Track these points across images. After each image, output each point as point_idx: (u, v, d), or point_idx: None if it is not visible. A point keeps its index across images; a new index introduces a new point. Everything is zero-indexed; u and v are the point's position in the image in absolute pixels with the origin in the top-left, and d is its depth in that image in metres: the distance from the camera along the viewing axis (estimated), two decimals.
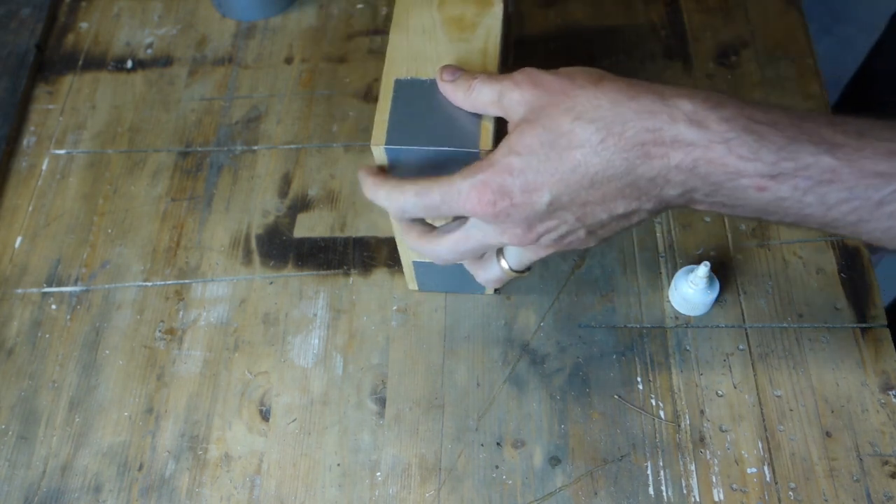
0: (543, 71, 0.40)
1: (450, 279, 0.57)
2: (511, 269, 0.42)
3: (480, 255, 0.44)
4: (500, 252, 0.43)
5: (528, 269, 0.44)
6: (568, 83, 0.37)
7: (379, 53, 0.74)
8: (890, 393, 0.54)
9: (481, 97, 0.40)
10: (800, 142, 0.30)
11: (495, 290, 0.59)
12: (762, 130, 0.30)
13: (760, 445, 0.53)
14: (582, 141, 0.34)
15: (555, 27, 0.74)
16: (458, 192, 0.37)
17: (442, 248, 0.42)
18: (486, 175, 0.37)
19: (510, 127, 0.39)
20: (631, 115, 0.33)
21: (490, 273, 0.45)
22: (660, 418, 0.54)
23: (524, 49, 0.68)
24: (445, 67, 0.43)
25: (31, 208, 0.68)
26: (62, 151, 0.71)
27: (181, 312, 0.62)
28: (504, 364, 0.57)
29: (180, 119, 0.72)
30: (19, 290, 0.64)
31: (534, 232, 0.38)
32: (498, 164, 0.37)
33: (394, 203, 0.41)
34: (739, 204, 0.32)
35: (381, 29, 0.76)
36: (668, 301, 0.59)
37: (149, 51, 0.77)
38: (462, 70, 0.43)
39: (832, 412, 0.54)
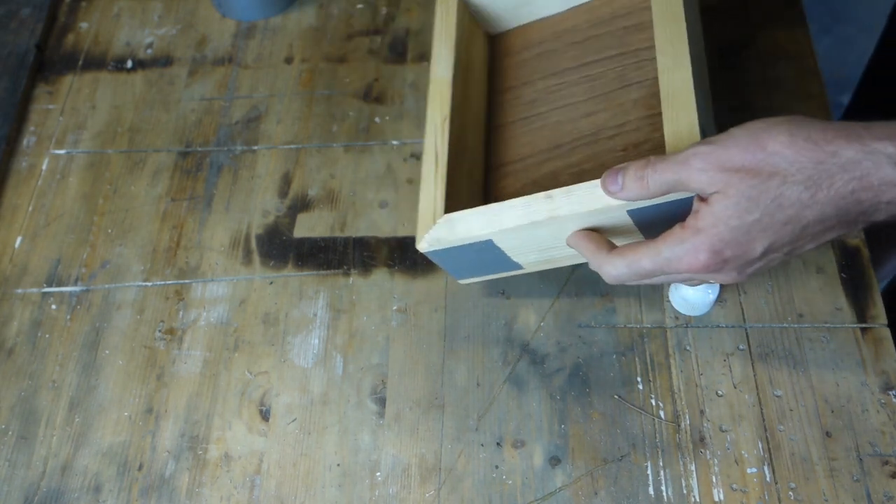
0: (722, 143, 0.40)
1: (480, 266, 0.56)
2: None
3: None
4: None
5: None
6: (761, 154, 0.39)
7: (379, 53, 0.74)
8: (890, 393, 0.54)
9: (659, 189, 0.43)
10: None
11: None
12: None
13: (760, 445, 0.53)
14: (793, 201, 0.38)
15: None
16: (667, 259, 0.42)
17: (621, 271, 0.45)
18: (697, 241, 0.41)
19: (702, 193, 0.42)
20: (836, 170, 0.37)
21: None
22: (660, 418, 0.54)
23: None
24: (608, 176, 0.45)
25: (31, 208, 0.68)
26: (62, 151, 0.71)
27: (181, 312, 0.62)
28: (504, 364, 0.57)
29: (180, 119, 0.72)
30: (19, 290, 0.64)
31: (744, 274, 0.43)
32: (705, 232, 0.41)
33: (608, 274, 0.46)
34: (839, 176, 0.37)
35: (381, 29, 0.76)
36: (668, 301, 0.59)
37: (149, 51, 0.77)
38: (621, 169, 0.45)
39: (832, 412, 0.54)
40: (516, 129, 0.61)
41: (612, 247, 0.46)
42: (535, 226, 0.50)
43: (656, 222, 0.48)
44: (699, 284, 0.45)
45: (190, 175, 0.69)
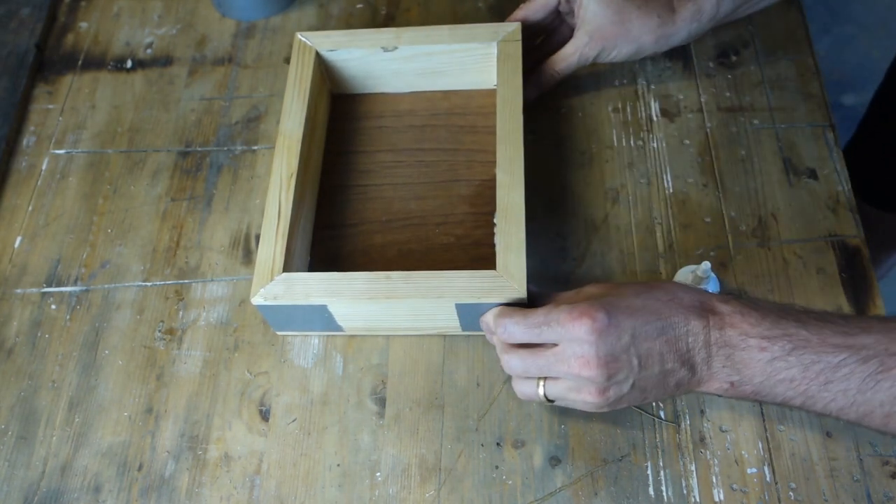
0: (587, 327, 0.45)
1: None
2: (546, 396, 0.49)
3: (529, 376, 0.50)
4: (542, 379, 0.50)
5: (553, 400, 0.50)
6: (615, 337, 0.45)
7: None
8: None
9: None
10: (787, 319, 0.43)
11: None
12: (763, 310, 0.44)
13: (760, 445, 0.53)
14: (657, 297, 0.46)
15: None
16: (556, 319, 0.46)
17: (515, 361, 0.49)
18: (582, 308, 0.46)
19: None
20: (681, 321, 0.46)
21: (527, 390, 0.50)
22: (660, 418, 0.54)
23: (526, 47, 0.68)
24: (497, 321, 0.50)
25: (30, 208, 0.68)
26: (62, 151, 0.71)
27: (181, 312, 0.62)
28: None
29: (180, 119, 0.72)
30: (19, 290, 0.64)
31: (607, 396, 0.47)
32: (590, 304, 0.46)
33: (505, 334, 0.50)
34: (747, 371, 0.44)
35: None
36: None
37: (149, 51, 0.77)
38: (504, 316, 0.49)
39: None
40: (349, 194, 0.65)
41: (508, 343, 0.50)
42: (372, 302, 0.53)
43: (479, 315, 0.53)
44: (566, 390, 0.48)
45: (190, 175, 0.68)
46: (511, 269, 0.52)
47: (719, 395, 0.47)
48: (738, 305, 0.44)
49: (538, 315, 0.47)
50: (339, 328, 0.58)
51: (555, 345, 0.47)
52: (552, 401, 0.50)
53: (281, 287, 0.54)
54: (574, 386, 0.47)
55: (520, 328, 0.48)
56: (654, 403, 0.55)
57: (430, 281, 0.53)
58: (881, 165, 0.87)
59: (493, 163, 0.62)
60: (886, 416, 0.42)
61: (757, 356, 0.43)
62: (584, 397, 0.47)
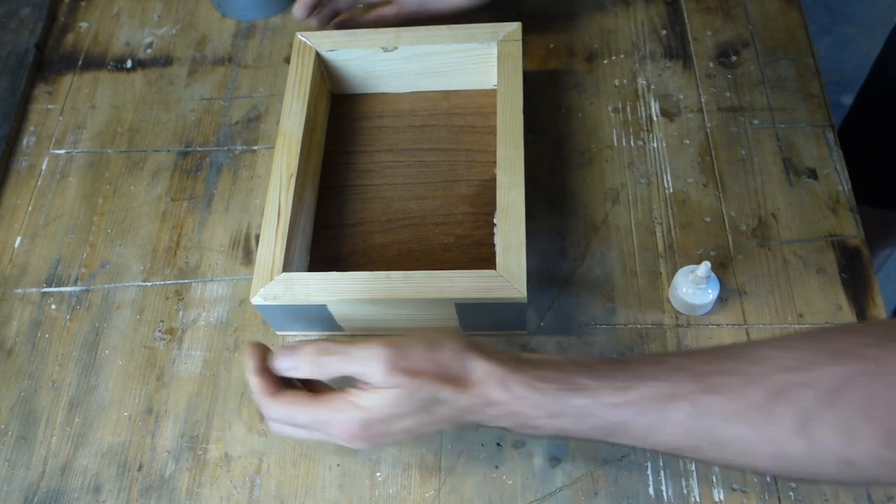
0: (403, 348, 0.45)
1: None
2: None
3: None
4: None
5: None
6: (434, 366, 0.45)
7: None
8: None
9: (333, 375, 0.46)
10: (565, 392, 0.43)
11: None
12: (543, 388, 0.43)
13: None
14: (442, 405, 0.45)
15: (555, 26, 0.74)
16: (320, 421, 0.46)
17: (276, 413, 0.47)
18: (354, 415, 0.45)
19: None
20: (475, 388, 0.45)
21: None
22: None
23: (527, 47, 0.68)
24: (281, 356, 0.47)
25: (30, 208, 0.68)
26: (62, 151, 0.71)
27: (181, 312, 0.62)
28: None
29: (180, 119, 0.72)
30: (19, 290, 0.64)
31: (376, 446, 0.47)
32: (365, 410, 0.45)
33: (266, 414, 0.48)
34: (539, 433, 0.45)
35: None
36: (668, 301, 0.59)
37: (148, 51, 0.77)
38: (294, 352, 0.47)
39: None
40: (349, 194, 0.65)
41: (278, 389, 0.47)
42: (372, 302, 0.53)
43: (479, 315, 0.54)
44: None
45: (190, 175, 0.68)
46: (511, 269, 0.53)
47: None
48: (517, 390, 0.44)
49: (300, 415, 0.46)
50: (338, 328, 0.58)
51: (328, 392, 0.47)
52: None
53: (281, 287, 0.54)
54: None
55: (282, 419, 0.47)
56: None
57: (431, 281, 0.53)
58: (869, 162, 0.87)
59: (493, 163, 0.63)
60: (694, 452, 0.42)
61: (546, 425, 0.44)
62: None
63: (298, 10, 0.68)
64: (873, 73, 0.87)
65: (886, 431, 0.37)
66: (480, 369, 0.45)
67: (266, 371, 0.48)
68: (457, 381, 0.44)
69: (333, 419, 0.45)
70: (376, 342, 0.45)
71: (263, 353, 0.48)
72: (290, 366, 0.47)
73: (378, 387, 0.44)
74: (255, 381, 0.47)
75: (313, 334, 0.59)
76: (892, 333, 0.39)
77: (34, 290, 0.64)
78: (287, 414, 0.46)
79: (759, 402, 0.39)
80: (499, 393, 0.44)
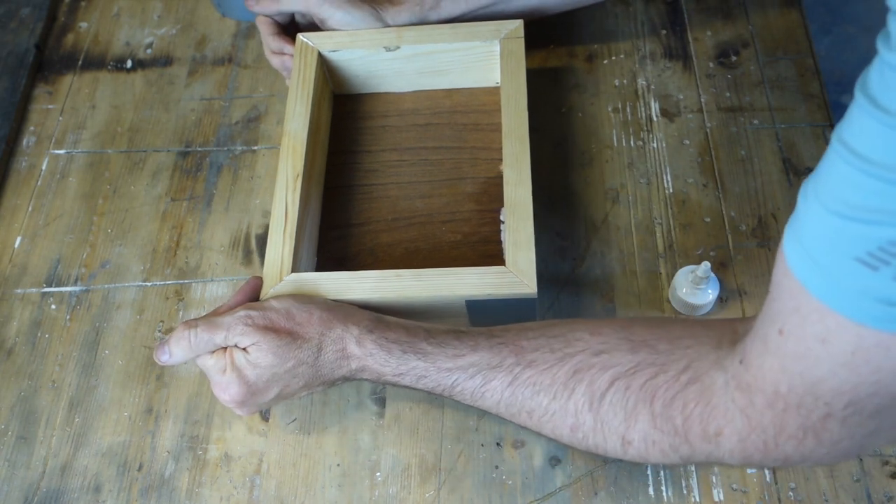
0: (262, 310, 0.50)
1: None
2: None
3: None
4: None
5: None
6: (290, 323, 0.50)
7: None
8: None
9: (205, 349, 0.50)
10: (408, 354, 0.49)
11: None
12: (391, 347, 0.49)
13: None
14: (303, 360, 0.50)
15: (555, 26, 0.74)
16: (210, 377, 0.51)
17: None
18: (233, 376, 0.50)
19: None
20: (329, 341, 0.50)
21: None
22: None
23: (527, 47, 0.68)
24: (157, 350, 0.51)
25: (30, 208, 0.68)
26: (62, 151, 0.71)
27: (181, 312, 0.62)
28: None
29: (180, 119, 0.72)
30: (19, 290, 0.64)
31: (253, 410, 0.52)
32: (240, 371, 0.49)
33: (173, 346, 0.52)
34: (394, 385, 0.50)
35: None
36: (668, 301, 0.59)
37: (148, 51, 0.77)
38: (166, 341, 0.51)
39: None
40: (354, 193, 0.65)
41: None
42: (383, 301, 0.53)
43: (489, 311, 0.55)
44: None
45: (190, 175, 0.68)
46: (520, 265, 0.53)
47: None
48: (369, 347, 0.49)
49: (203, 360, 0.51)
50: None
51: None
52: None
53: (290, 288, 0.54)
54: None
55: (188, 353, 0.50)
56: None
57: (441, 278, 0.53)
58: None
59: (498, 160, 0.62)
60: (512, 417, 0.48)
61: (394, 380, 0.49)
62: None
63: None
64: None
65: (655, 415, 0.42)
66: (340, 326, 0.50)
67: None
68: (318, 336, 0.50)
69: (216, 378, 0.50)
70: (239, 308, 0.50)
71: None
72: (164, 357, 0.50)
73: (245, 346, 0.49)
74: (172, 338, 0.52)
75: None
76: (690, 331, 0.44)
77: (34, 290, 0.64)
78: (182, 355, 0.51)
79: (563, 378, 0.45)
80: (354, 348, 0.49)
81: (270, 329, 0.49)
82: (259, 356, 0.48)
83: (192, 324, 0.50)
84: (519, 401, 0.46)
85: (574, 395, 0.44)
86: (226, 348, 0.50)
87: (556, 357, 0.46)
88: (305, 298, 0.52)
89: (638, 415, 0.42)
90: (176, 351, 0.50)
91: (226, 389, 0.50)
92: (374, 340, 0.49)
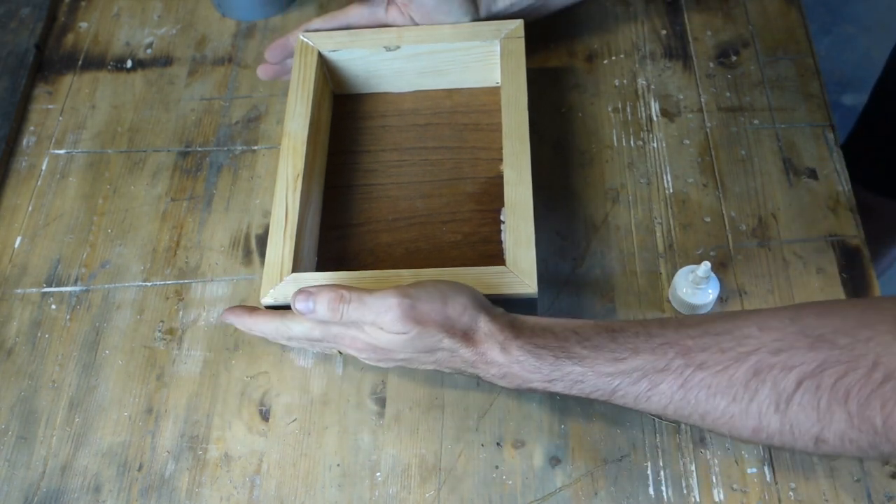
0: (415, 298, 0.49)
1: None
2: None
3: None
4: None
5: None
6: (441, 316, 0.49)
7: None
8: None
9: (350, 321, 0.50)
10: (562, 360, 0.47)
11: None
12: (541, 353, 0.47)
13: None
14: (445, 351, 0.50)
15: (555, 26, 0.74)
16: (335, 331, 0.52)
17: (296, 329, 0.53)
18: (371, 346, 0.51)
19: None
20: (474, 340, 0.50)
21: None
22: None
23: (526, 47, 0.68)
24: (298, 296, 0.51)
25: (30, 208, 0.68)
26: (62, 151, 0.71)
27: (181, 312, 0.62)
28: None
29: (180, 119, 0.72)
30: (19, 290, 0.64)
31: (385, 362, 0.53)
32: (380, 344, 0.50)
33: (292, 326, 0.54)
34: (536, 391, 0.49)
35: None
36: (668, 301, 0.59)
37: (148, 51, 0.77)
38: (313, 294, 0.51)
39: None
40: (354, 193, 0.65)
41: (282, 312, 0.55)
42: None
43: None
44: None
45: (190, 175, 0.68)
46: (521, 265, 0.53)
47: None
48: (516, 354, 0.48)
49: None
50: None
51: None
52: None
53: (291, 288, 0.54)
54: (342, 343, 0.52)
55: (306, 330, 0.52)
56: None
57: (441, 278, 0.53)
58: (883, 150, 0.87)
59: (498, 160, 0.63)
60: (680, 418, 0.46)
61: (542, 387, 0.48)
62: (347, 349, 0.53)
63: (264, 71, 0.70)
64: (889, 67, 0.87)
65: (851, 415, 0.40)
66: (484, 328, 0.49)
67: (257, 310, 0.55)
68: (461, 334, 0.49)
69: (345, 333, 0.51)
70: (391, 292, 0.49)
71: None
72: (307, 308, 0.50)
73: (388, 331, 0.49)
74: (258, 312, 0.55)
75: None
76: (864, 319, 0.42)
77: (34, 290, 0.64)
78: (303, 330, 0.52)
79: (742, 380, 0.43)
80: (499, 355, 0.48)
81: (420, 322, 0.48)
82: (399, 342, 0.49)
83: (344, 297, 0.49)
84: (691, 404, 0.45)
85: (757, 396, 0.43)
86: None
87: (728, 357, 0.44)
88: (458, 288, 0.50)
89: (833, 415, 0.41)
90: (320, 311, 0.50)
91: (352, 343, 0.51)
92: (521, 347, 0.48)
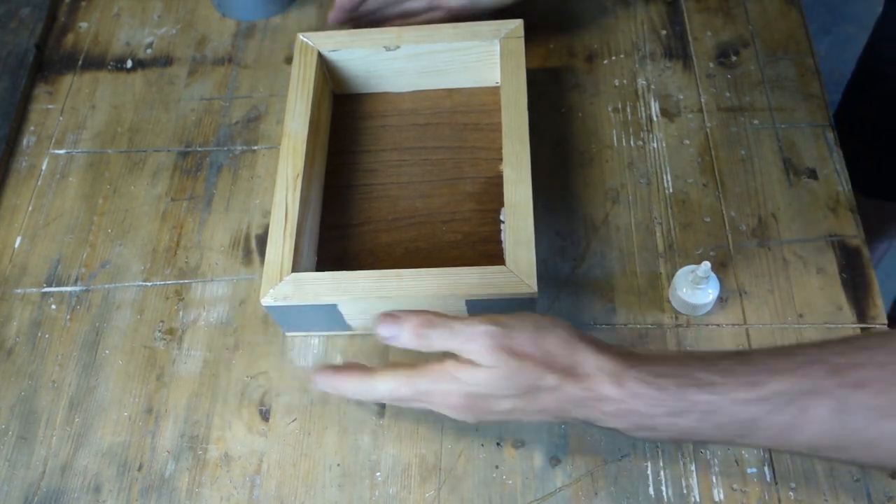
0: (509, 328, 0.44)
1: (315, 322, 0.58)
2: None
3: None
4: None
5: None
6: (538, 350, 0.44)
7: None
8: None
9: (437, 349, 0.46)
10: (687, 388, 0.40)
11: None
12: (662, 383, 0.41)
13: None
14: (546, 391, 0.43)
15: (555, 26, 0.74)
16: (422, 392, 0.46)
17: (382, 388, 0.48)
18: (454, 388, 0.45)
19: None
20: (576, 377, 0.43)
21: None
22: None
23: (526, 47, 0.68)
24: (384, 324, 0.47)
25: (30, 208, 0.68)
26: (62, 151, 0.71)
27: (181, 312, 0.62)
28: None
29: (180, 119, 0.72)
30: (19, 290, 0.64)
31: (482, 419, 0.46)
32: (464, 384, 0.44)
33: (379, 391, 0.48)
34: (657, 435, 0.42)
35: None
36: (668, 301, 0.59)
37: (148, 51, 0.77)
38: (399, 320, 0.47)
39: None
40: (354, 193, 0.65)
41: (368, 370, 0.49)
42: (382, 300, 0.53)
43: (488, 312, 0.52)
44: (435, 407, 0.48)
45: (190, 175, 0.68)
46: (521, 265, 0.53)
47: None
48: (632, 386, 0.41)
49: (402, 388, 0.47)
50: (348, 327, 0.58)
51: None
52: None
53: (290, 287, 0.54)
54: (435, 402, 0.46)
55: (391, 392, 0.47)
56: None
57: (441, 278, 0.53)
58: (865, 151, 0.87)
59: (498, 160, 0.63)
60: (836, 451, 0.40)
61: (666, 425, 0.41)
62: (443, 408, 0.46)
63: (334, 16, 0.70)
64: (862, 64, 0.87)
65: None
66: (591, 361, 0.42)
67: (355, 368, 0.49)
68: (563, 370, 0.42)
69: (435, 389, 0.45)
70: (481, 319, 0.44)
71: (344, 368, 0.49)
72: (392, 335, 0.46)
73: (479, 364, 0.43)
74: (342, 372, 0.49)
75: (323, 334, 0.59)
76: None
77: (34, 290, 0.64)
78: (389, 389, 0.47)
79: None
80: (611, 389, 0.41)
81: (515, 354, 0.43)
82: (496, 382, 0.43)
83: (432, 321, 0.45)
84: (851, 432, 0.38)
85: None
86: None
87: (890, 373, 0.38)
88: (553, 319, 0.45)
89: None
90: (405, 337, 0.46)
91: (445, 399, 0.45)
92: (637, 377, 0.41)
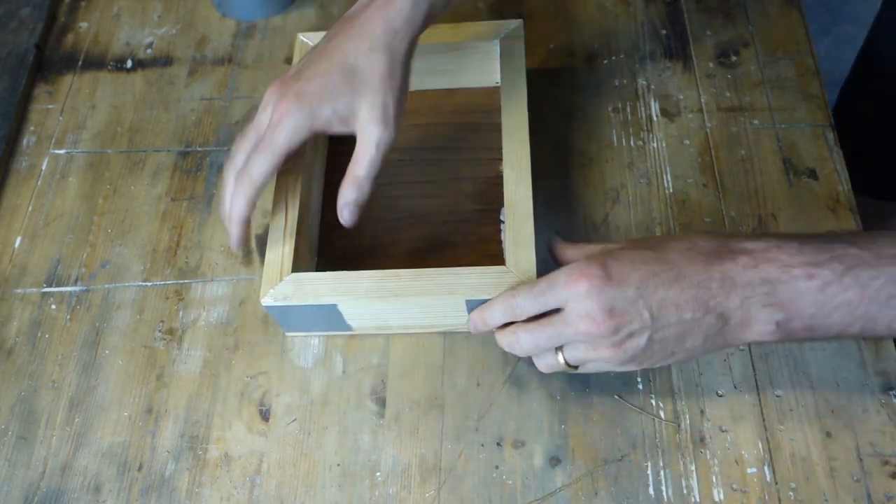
0: (603, 262, 0.45)
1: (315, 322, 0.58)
2: (567, 363, 0.48)
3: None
4: (559, 348, 0.48)
5: (577, 367, 0.49)
6: (617, 290, 0.44)
7: None
8: (890, 393, 0.54)
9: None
10: (831, 241, 0.40)
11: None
12: (802, 238, 0.41)
13: (760, 445, 0.53)
14: (672, 247, 0.44)
15: (555, 26, 0.74)
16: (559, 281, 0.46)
17: (525, 337, 0.48)
18: (580, 268, 0.45)
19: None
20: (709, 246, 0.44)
21: (547, 361, 0.50)
22: (660, 418, 0.54)
23: (527, 47, 0.68)
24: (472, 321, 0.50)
25: (30, 208, 0.68)
26: (62, 151, 0.71)
27: (181, 312, 0.62)
28: (504, 364, 0.57)
29: (180, 119, 0.72)
30: (19, 290, 0.64)
31: (618, 330, 0.45)
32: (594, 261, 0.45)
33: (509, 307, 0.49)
34: (794, 304, 0.40)
35: None
36: None
37: (148, 50, 0.77)
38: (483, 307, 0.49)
39: (832, 412, 0.53)
40: None
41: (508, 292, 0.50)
42: (382, 300, 0.53)
43: None
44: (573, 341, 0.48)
45: (190, 175, 0.68)
46: (521, 265, 0.53)
47: (767, 342, 0.44)
48: (773, 239, 0.41)
49: (541, 283, 0.47)
50: (348, 327, 0.58)
51: (560, 310, 0.46)
52: (576, 367, 0.48)
53: (290, 287, 0.54)
54: (588, 345, 0.46)
55: (528, 300, 0.47)
56: (654, 403, 0.55)
57: (440, 278, 0.53)
58: (863, 150, 0.87)
59: (498, 160, 0.63)
60: None
61: (805, 286, 0.39)
62: (602, 353, 0.46)
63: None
64: (859, 63, 0.87)
65: None
66: (735, 243, 0.42)
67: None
68: (721, 256, 0.42)
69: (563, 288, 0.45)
70: (581, 271, 0.45)
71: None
72: (507, 344, 0.49)
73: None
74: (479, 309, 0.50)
75: (323, 334, 0.59)
76: None
77: (34, 290, 0.64)
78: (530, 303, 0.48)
79: None
80: (753, 243, 0.41)
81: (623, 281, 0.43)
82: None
83: (531, 285, 0.47)
84: None
85: None
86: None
87: None
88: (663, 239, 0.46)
89: None
90: (525, 306, 0.47)
91: (598, 351, 0.45)
92: (776, 235, 0.41)
